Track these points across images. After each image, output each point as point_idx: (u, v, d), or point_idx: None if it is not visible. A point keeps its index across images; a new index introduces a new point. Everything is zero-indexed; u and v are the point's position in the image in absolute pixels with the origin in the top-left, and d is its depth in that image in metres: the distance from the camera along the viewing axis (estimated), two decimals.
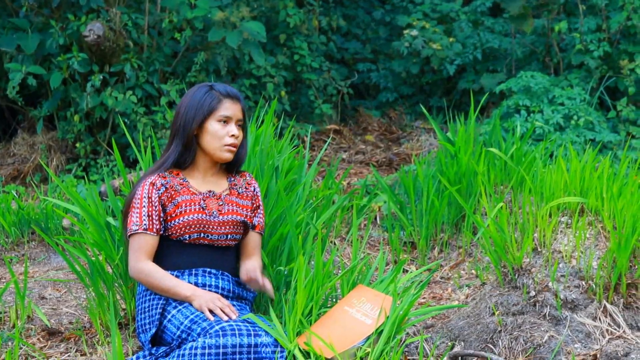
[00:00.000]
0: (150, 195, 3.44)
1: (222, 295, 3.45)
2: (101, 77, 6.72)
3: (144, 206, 3.44)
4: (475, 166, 4.79)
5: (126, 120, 6.80)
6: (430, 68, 8.58)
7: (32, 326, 3.92)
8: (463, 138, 5.01)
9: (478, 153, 4.97)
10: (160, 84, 7.03)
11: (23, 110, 7.60)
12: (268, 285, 3.46)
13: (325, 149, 7.66)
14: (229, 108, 3.51)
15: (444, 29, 8.76)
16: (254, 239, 3.62)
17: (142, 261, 3.42)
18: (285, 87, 8.01)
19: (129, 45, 6.90)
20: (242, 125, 3.57)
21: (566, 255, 3.70)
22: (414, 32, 8.17)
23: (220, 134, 3.49)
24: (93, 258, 3.77)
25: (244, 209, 3.59)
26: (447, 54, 8.18)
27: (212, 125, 3.48)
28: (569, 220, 3.95)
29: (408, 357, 3.49)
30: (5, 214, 5.36)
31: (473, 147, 5.05)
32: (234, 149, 3.53)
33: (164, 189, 3.47)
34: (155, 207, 3.44)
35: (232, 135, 3.50)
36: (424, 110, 5.52)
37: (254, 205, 3.64)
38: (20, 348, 3.62)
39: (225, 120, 3.49)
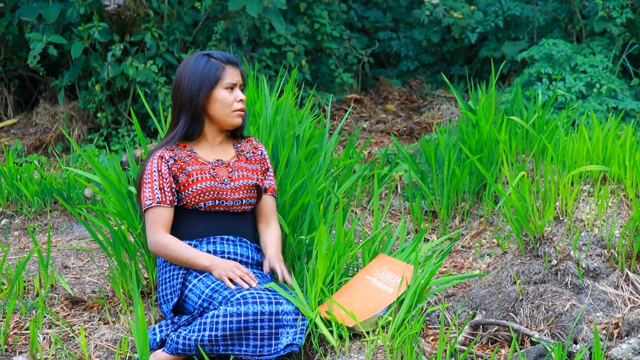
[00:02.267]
0: (160, 169, 3.47)
1: (241, 262, 3.47)
2: (122, 46, 6.71)
3: (155, 180, 3.46)
4: (496, 135, 4.77)
5: (147, 90, 6.80)
6: (452, 36, 8.53)
7: (56, 295, 3.95)
8: (484, 106, 4.99)
9: (499, 121, 4.95)
10: (180, 53, 7.02)
11: (44, 80, 7.62)
12: (287, 277, 3.45)
13: (346, 118, 7.64)
14: (233, 74, 3.55)
15: None
16: (267, 203, 3.65)
17: (159, 234, 3.45)
18: (306, 56, 7.98)
19: (149, 15, 6.88)
20: (243, 90, 3.62)
21: (588, 224, 3.69)
22: (435, 1, 8.11)
23: (229, 101, 3.52)
24: (115, 227, 3.79)
25: (254, 173, 3.62)
26: (468, 23, 8.11)
27: (220, 94, 3.51)
28: (591, 189, 3.93)
29: (429, 326, 3.49)
30: (28, 184, 5.39)
31: (494, 116, 5.03)
32: (243, 114, 3.58)
33: (173, 161, 3.49)
34: (166, 179, 3.46)
35: (240, 100, 3.55)
36: (445, 79, 5.50)
37: (263, 168, 3.67)
38: (44, 316, 3.65)
39: (232, 87, 3.54)
